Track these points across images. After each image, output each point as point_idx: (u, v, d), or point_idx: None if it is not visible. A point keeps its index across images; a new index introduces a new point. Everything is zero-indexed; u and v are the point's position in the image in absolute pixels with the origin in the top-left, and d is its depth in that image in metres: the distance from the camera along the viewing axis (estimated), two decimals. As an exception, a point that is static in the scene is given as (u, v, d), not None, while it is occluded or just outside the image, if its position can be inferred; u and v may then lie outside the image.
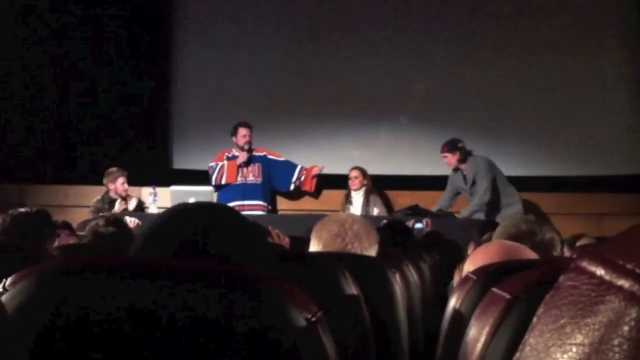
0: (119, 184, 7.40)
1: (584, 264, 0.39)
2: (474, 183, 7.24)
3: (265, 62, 9.39)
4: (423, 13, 9.33)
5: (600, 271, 0.38)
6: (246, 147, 7.66)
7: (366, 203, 7.58)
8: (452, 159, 7.29)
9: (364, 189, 7.65)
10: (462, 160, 7.28)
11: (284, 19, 9.48)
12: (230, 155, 7.73)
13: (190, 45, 9.66)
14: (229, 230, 1.23)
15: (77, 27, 9.44)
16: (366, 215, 6.96)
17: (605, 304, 0.37)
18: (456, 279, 2.71)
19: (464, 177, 7.33)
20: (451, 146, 7.31)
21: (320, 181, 8.04)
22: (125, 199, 7.42)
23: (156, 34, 9.59)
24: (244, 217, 1.33)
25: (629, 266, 0.37)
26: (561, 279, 0.40)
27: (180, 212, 1.27)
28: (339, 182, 8.41)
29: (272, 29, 9.45)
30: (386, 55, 9.28)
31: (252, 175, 7.66)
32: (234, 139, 7.74)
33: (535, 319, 0.41)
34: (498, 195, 7.22)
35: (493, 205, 7.17)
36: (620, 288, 0.37)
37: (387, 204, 7.85)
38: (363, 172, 7.73)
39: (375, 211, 7.44)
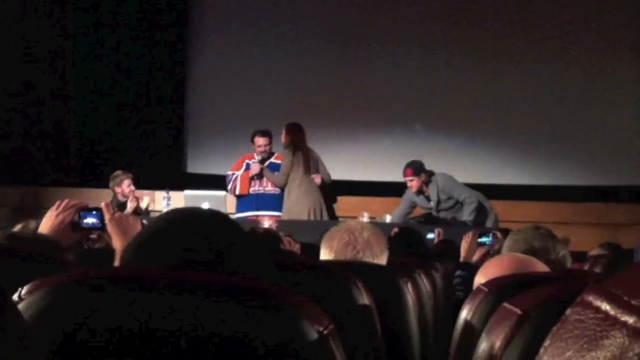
0: (125, 186, 7.42)
1: (590, 298, 0.40)
2: (439, 202, 7.16)
3: (281, 68, 9.42)
4: (437, 23, 9.33)
5: (605, 306, 0.39)
6: (263, 156, 7.45)
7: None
8: (417, 182, 7.12)
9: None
10: (427, 182, 7.17)
11: (300, 25, 9.50)
12: (250, 162, 7.54)
13: (205, 49, 9.70)
14: (225, 240, 1.21)
15: (93, 31, 9.50)
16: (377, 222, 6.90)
17: (609, 338, 0.37)
18: None
19: (427, 197, 7.21)
20: (417, 169, 7.14)
21: (333, 188, 8.00)
22: (135, 199, 7.42)
23: (172, 39, 9.63)
24: (239, 226, 1.29)
25: (634, 302, 0.37)
26: (568, 312, 0.40)
27: (174, 222, 1.24)
28: (354, 188, 8.42)
29: (289, 36, 9.48)
30: (401, 64, 9.29)
31: (270, 185, 7.53)
32: (253, 146, 7.56)
33: (541, 350, 0.41)
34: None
35: (479, 210, 7.14)
36: (625, 324, 0.37)
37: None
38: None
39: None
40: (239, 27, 9.57)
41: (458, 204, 7.12)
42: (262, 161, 7.49)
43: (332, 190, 7.78)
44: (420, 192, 7.21)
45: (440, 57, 9.27)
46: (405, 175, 7.21)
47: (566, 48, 9.15)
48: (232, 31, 9.61)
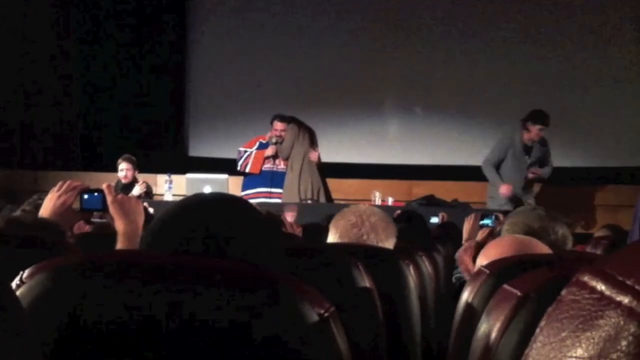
0: (119, 171, 7.45)
1: (586, 278, 0.40)
2: (535, 162, 7.15)
3: (281, 51, 9.39)
4: (441, 5, 9.29)
5: (600, 286, 0.39)
6: (278, 140, 7.53)
7: None
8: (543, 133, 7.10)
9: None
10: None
11: (301, 8, 9.47)
12: (264, 142, 7.65)
13: (205, 34, 9.68)
14: (236, 225, 1.20)
15: (95, 18, 9.49)
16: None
17: (605, 318, 0.38)
18: None
19: (528, 149, 7.14)
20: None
21: (336, 170, 8.02)
22: (137, 183, 7.43)
23: (172, 22, 9.61)
24: (254, 210, 1.29)
25: (628, 282, 0.38)
26: (563, 292, 0.41)
27: (184, 209, 1.24)
28: (355, 171, 8.42)
29: (289, 18, 9.45)
30: (402, 46, 9.26)
31: (283, 164, 7.59)
32: (271, 127, 7.65)
33: (537, 330, 0.41)
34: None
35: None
36: (620, 304, 0.37)
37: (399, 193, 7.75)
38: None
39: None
40: (239, 10, 9.54)
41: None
42: (276, 143, 7.58)
43: (333, 172, 7.82)
44: (528, 144, 7.13)
45: (441, 40, 9.23)
46: (545, 123, 7.06)
47: (567, 29, 9.11)
48: (232, 15, 9.58)
